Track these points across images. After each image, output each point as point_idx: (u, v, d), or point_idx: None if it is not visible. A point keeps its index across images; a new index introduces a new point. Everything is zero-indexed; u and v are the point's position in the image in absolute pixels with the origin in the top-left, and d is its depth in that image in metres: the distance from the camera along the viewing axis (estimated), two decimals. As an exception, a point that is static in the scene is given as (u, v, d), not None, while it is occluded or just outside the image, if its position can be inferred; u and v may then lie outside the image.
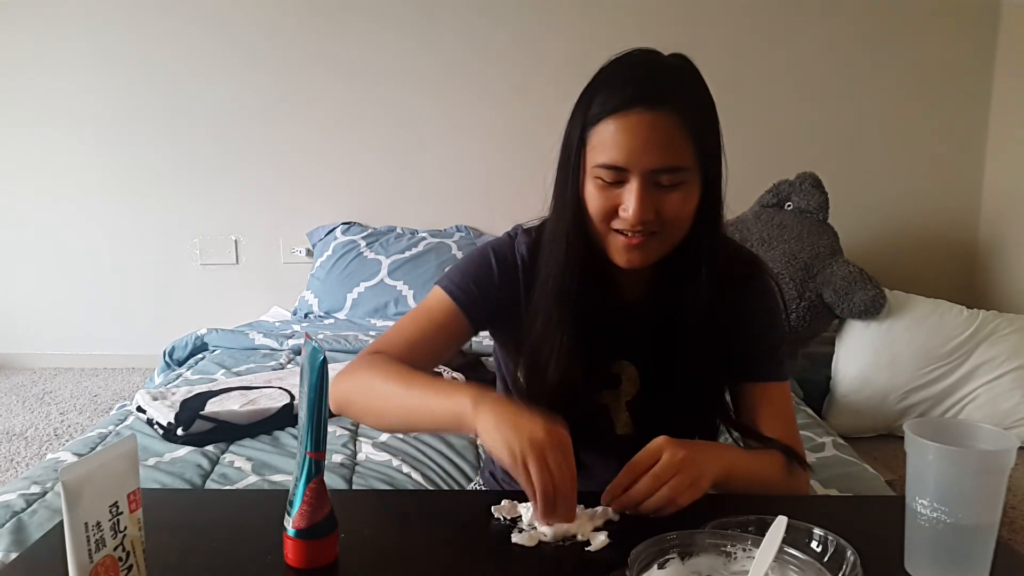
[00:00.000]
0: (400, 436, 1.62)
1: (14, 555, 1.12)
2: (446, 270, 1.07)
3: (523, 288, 1.02)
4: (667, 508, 0.82)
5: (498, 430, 0.79)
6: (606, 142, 0.89)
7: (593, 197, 0.92)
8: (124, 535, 0.64)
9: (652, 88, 0.88)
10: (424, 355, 1.01)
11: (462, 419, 0.83)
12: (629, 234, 0.91)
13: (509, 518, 0.83)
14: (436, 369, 1.65)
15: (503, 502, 0.84)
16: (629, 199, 0.89)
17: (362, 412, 0.98)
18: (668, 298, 0.98)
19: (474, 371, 2.03)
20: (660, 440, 0.86)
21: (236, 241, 3.35)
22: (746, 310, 1.01)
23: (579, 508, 0.82)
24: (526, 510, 0.83)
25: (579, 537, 0.79)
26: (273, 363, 2.22)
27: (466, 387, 0.88)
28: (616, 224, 0.92)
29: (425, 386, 0.90)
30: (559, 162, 0.96)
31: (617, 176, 0.89)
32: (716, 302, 0.97)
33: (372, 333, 2.52)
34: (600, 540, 0.78)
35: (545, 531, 0.79)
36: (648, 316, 1.00)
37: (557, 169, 0.97)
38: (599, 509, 0.83)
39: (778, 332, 1.04)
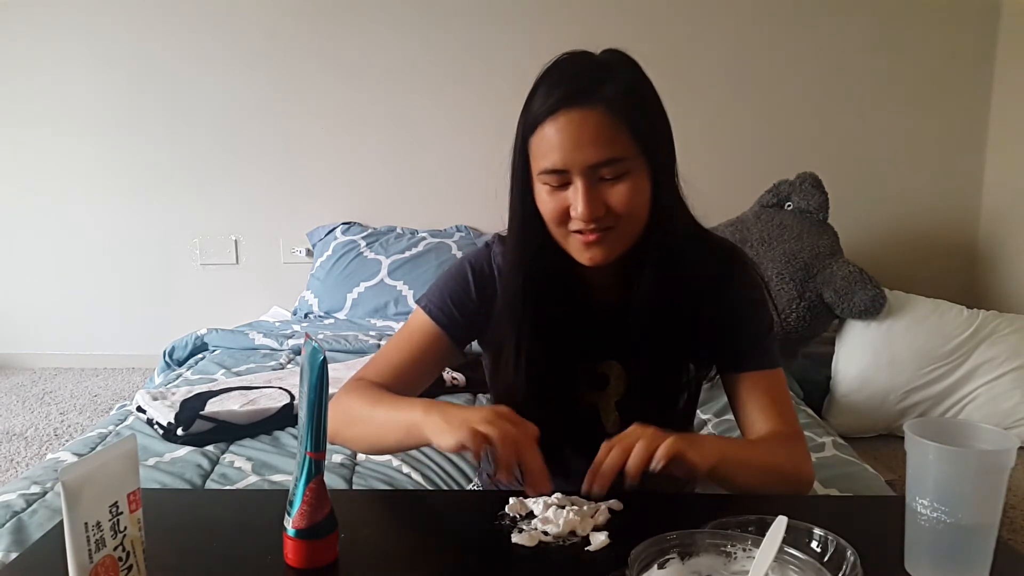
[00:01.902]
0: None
1: (14, 555, 1.12)
2: (427, 287, 1.10)
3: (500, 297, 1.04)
4: (650, 467, 0.83)
5: (447, 426, 0.84)
6: (544, 147, 0.91)
7: (544, 202, 0.94)
8: (124, 535, 0.64)
9: (577, 87, 0.89)
10: (408, 378, 1.05)
11: (412, 429, 0.89)
12: (585, 232, 0.92)
13: (522, 515, 0.83)
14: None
15: (511, 500, 0.84)
16: (576, 198, 0.90)
17: (346, 439, 1.03)
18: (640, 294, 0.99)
19: (474, 371, 2.03)
20: (633, 425, 0.88)
21: (236, 241, 3.35)
22: (728, 301, 1.01)
23: (576, 508, 0.82)
24: (536, 504, 0.83)
25: (579, 533, 0.79)
26: (273, 363, 2.22)
27: (419, 401, 0.93)
28: (572, 225, 0.93)
29: (387, 405, 0.95)
30: (511, 171, 0.98)
31: (561, 179, 0.91)
32: (691, 294, 0.98)
33: (372, 333, 2.52)
34: (600, 540, 0.78)
35: (549, 529, 0.79)
36: (627, 314, 1.01)
37: (510, 178, 0.99)
38: (601, 506, 0.83)
39: (764, 321, 1.04)
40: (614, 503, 0.85)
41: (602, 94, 0.89)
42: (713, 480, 0.92)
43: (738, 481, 0.92)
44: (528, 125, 0.93)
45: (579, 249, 0.94)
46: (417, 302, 1.08)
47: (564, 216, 0.92)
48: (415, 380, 1.06)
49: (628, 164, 0.90)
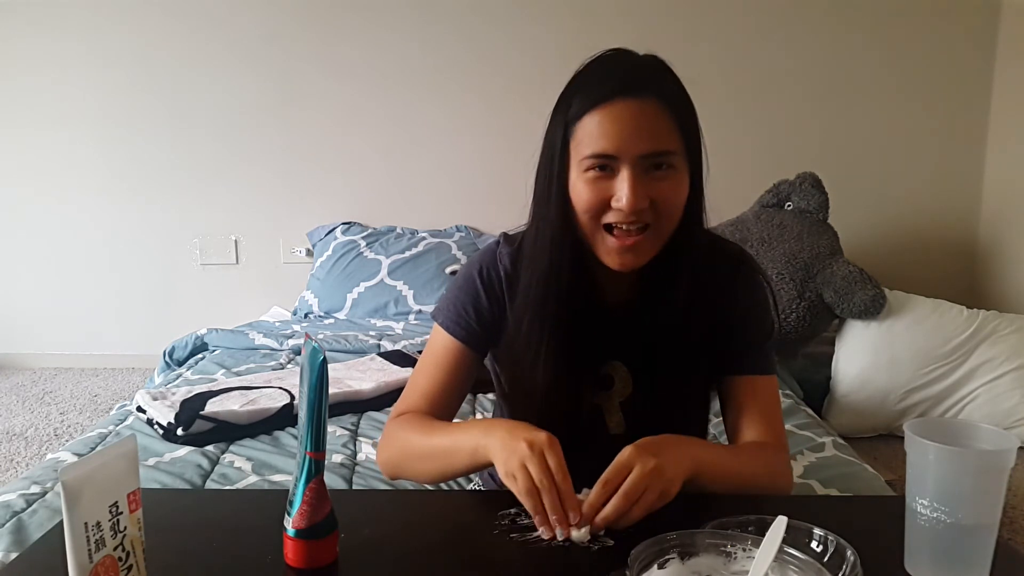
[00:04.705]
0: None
1: (14, 555, 1.12)
2: (439, 303, 1.08)
3: (508, 300, 1.03)
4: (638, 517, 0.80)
5: (502, 455, 0.82)
6: (593, 134, 0.89)
7: (583, 192, 0.91)
8: (124, 535, 0.64)
9: (632, 78, 0.90)
10: (445, 401, 1.04)
11: (477, 454, 0.87)
12: (624, 227, 0.91)
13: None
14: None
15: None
16: (622, 188, 0.88)
17: (413, 473, 1.02)
18: (654, 297, 0.99)
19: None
20: (629, 451, 0.83)
21: (236, 241, 3.35)
22: (733, 304, 1.01)
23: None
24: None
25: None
26: (273, 363, 2.22)
27: (475, 423, 0.93)
28: (608, 217, 0.91)
29: (444, 433, 0.94)
30: (540, 168, 0.96)
31: (607, 166, 0.90)
32: (701, 298, 0.97)
33: (372, 333, 2.52)
34: (580, 534, 0.78)
35: (572, 533, 0.79)
36: (637, 316, 1.00)
37: (537, 176, 0.97)
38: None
39: (765, 326, 1.04)
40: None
41: (658, 87, 0.89)
42: (689, 486, 0.92)
43: (713, 487, 0.91)
44: (574, 115, 0.91)
45: (611, 252, 0.93)
46: (433, 317, 1.07)
47: (602, 208, 0.91)
48: (451, 400, 1.05)
49: (675, 159, 0.90)
